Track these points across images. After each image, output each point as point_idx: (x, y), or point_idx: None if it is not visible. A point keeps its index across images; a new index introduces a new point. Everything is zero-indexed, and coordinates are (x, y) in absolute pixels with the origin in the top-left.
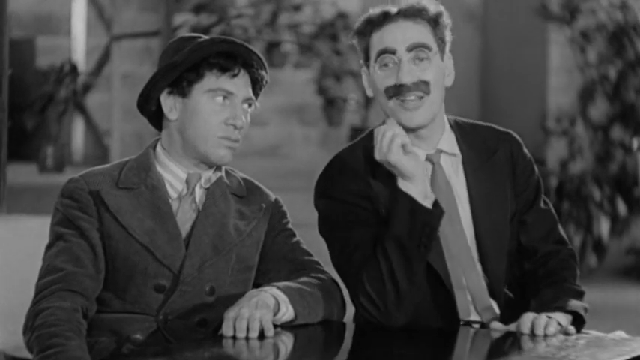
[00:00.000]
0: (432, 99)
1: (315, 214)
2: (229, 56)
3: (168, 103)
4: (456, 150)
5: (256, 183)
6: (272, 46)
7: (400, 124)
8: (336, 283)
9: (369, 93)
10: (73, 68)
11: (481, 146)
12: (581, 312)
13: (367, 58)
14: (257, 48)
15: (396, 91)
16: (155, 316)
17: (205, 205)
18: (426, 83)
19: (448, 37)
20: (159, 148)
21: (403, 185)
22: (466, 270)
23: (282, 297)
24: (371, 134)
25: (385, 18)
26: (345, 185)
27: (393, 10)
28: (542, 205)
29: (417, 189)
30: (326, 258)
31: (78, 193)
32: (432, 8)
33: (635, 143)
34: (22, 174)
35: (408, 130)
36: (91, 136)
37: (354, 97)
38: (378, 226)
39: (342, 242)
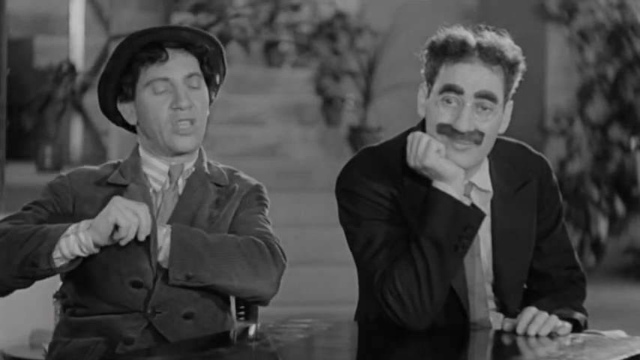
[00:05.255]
0: (482, 148)
1: (315, 213)
2: (154, 45)
3: (126, 110)
4: (488, 185)
5: (238, 172)
6: (270, 46)
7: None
8: (274, 251)
9: (421, 112)
10: (72, 68)
11: (512, 175)
12: (581, 323)
13: (430, 81)
14: (255, 47)
15: (449, 132)
16: (143, 312)
17: (183, 195)
18: (481, 134)
19: (516, 84)
20: (140, 148)
21: (442, 186)
22: (477, 302)
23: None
24: (406, 135)
25: (463, 53)
26: (372, 183)
27: (472, 43)
28: (559, 232)
29: (456, 190)
30: (324, 256)
31: (60, 189)
32: (511, 54)
33: (633, 142)
34: (20, 174)
35: None
36: (90, 136)
37: (352, 96)
38: (403, 226)
39: (368, 237)
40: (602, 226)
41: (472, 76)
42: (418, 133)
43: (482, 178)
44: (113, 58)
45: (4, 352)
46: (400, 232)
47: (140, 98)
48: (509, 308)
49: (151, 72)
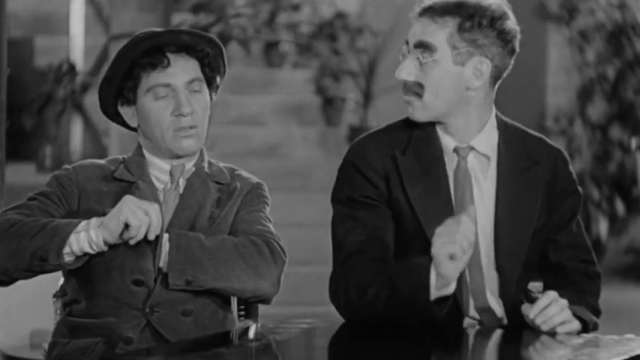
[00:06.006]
0: (427, 102)
1: (314, 213)
2: (155, 50)
3: (127, 112)
4: (491, 152)
5: (239, 171)
6: (270, 46)
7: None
8: (274, 249)
9: None
10: (72, 68)
11: (523, 154)
12: (590, 326)
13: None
14: (255, 48)
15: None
16: (142, 310)
17: (183, 195)
18: (420, 86)
19: (489, 38)
20: (143, 148)
21: (433, 266)
22: (471, 266)
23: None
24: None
25: (421, 13)
26: (370, 159)
27: (430, 3)
28: (576, 226)
29: (438, 284)
30: (325, 256)
31: (66, 181)
32: (472, 6)
33: (633, 143)
34: (20, 174)
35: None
36: (90, 136)
37: (353, 96)
38: (388, 219)
39: (349, 220)
40: (602, 227)
41: (416, 29)
42: (441, 232)
43: (486, 144)
44: (114, 62)
45: (4, 352)
46: (382, 225)
47: (141, 103)
48: (506, 278)
49: (153, 78)
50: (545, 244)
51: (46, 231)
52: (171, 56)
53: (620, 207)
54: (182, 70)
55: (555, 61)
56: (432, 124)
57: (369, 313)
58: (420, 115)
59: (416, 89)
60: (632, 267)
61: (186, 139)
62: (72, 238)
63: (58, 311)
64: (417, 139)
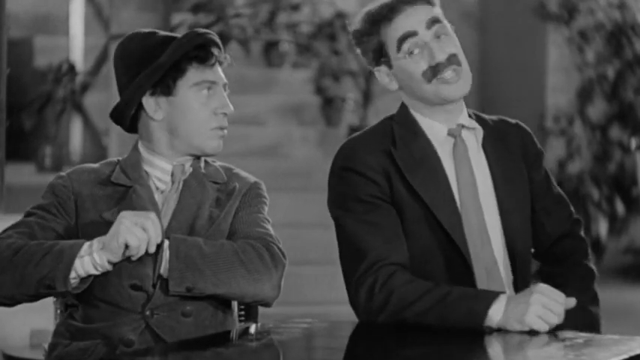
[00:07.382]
0: (465, 68)
1: (314, 213)
2: (203, 47)
3: (152, 104)
4: (475, 124)
5: (237, 170)
6: (270, 46)
7: (442, 99)
8: (274, 253)
9: (393, 87)
10: (71, 68)
11: (493, 128)
12: (599, 318)
13: (382, 55)
14: (255, 48)
15: (434, 71)
16: (141, 313)
17: (181, 197)
18: (455, 56)
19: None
20: (141, 148)
21: (497, 307)
22: (484, 244)
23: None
24: (386, 121)
25: (392, 10)
26: (365, 158)
27: (393, 1)
28: (551, 183)
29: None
30: (324, 256)
31: (61, 189)
32: None
33: (633, 143)
34: (20, 174)
35: (445, 103)
36: (89, 136)
37: (352, 96)
38: (395, 216)
39: (362, 224)
40: (602, 227)
41: (412, 16)
42: (539, 301)
43: (468, 119)
44: (174, 50)
45: (4, 352)
46: (390, 222)
47: (184, 97)
48: (521, 247)
49: (202, 73)
50: (538, 214)
51: (50, 256)
52: (214, 56)
53: (619, 207)
54: (220, 70)
55: (555, 61)
56: (413, 121)
57: (415, 323)
58: (467, 83)
59: (454, 60)
60: (632, 267)
61: (219, 140)
62: (77, 264)
63: (59, 312)
64: (401, 137)
